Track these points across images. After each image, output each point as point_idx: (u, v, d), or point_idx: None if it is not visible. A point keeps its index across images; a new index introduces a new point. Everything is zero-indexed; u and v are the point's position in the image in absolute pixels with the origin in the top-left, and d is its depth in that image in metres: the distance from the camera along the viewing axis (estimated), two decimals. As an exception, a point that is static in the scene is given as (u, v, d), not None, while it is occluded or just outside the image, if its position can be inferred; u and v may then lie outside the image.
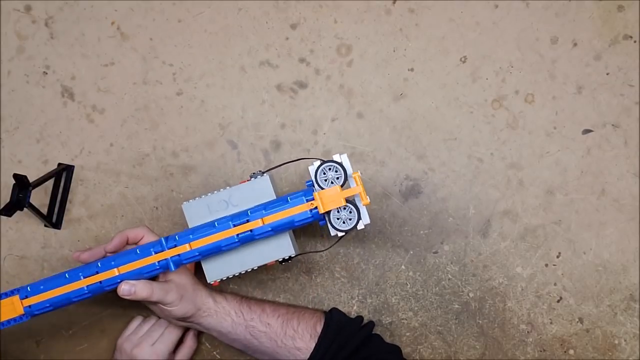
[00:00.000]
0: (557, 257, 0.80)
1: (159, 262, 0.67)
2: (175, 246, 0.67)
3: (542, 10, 0.80)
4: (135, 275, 0.68)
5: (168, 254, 0.67)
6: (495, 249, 0.80)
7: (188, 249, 0.67)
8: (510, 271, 0.80)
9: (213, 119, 0.82)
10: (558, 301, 0.80)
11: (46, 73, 0.83)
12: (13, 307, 0.69)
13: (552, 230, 0.80)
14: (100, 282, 0.68)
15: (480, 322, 0.81)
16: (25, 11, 0.83)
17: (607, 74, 0.80)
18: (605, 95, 0.80)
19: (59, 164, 0.81)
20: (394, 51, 0.81)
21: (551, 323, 0.80)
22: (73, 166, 0.82)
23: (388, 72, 0.81)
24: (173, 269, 0.68)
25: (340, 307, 0.81)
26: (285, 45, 0.81)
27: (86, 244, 0.82)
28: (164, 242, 0.68)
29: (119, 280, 0.68)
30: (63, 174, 0.81)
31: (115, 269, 0.68)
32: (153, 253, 0.67)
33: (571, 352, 0.80)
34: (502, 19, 0.80)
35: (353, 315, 0.81)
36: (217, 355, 0.82)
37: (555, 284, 0.80)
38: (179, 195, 0.82)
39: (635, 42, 0.79)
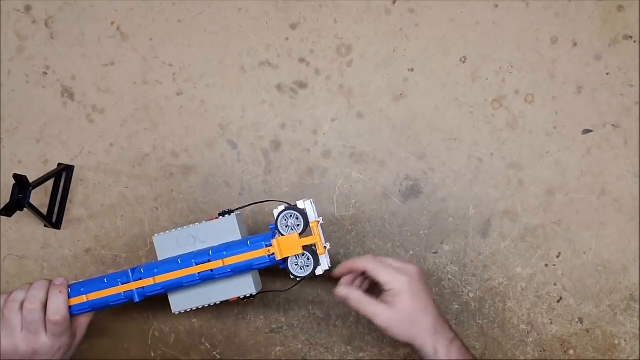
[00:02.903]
0: (557, 257, 0.80)
1: (124, 292, 0.70)
2: (141, 279, 0.70)
3: (542, 10, 0.80)
4: (102, 303, 0.70)
5: (133, 285, 0.70)
6: (495, 249, 0.80)
7: (152, 282, 0.70)
8: (510, 271, 0.80)
9: (213, 119, 0.82)
10: (558, 301, 0.80)
11: (46, 73, 0.83)
12: None
13: (552, 230, 0.80)
14: (71, 306, 0.70)
15: (480, 322, 0.81)
16: (25, 11, 0.83)
17: (607, 74, 0.80)
18: (605, 95, 0.80)
19: (59, 164, 0.82)
20: (394, 51, 0.81)
21: (551, 323, 0.80)
22: (73, 166, 0.82)
23: (388, 72, 0.81)
24: (137, 299, 0.70)
25: (340, 308, 0.81)
26: (285, 45, 0.81)
27: (86, 244, 0.82)
28: (130, 274, 0.71)
29: (87, 307, 0.70)
30: (63, 174, 0.81)
31: (84, 296, 0.70)
32: (120, 283, 0.70)
33: (571, 352, 0.80)
34: (502, 19, 0.80)
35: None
36: (217, 356, 0.82)
37: (555, 284, 0.80)
38: (179, 195, 0.82)
39: (635, 42, 0.79)
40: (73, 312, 0.70)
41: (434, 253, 0.81)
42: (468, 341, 0.80)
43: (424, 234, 0.81)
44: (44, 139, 0.82)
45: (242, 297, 0.71)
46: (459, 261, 0.80)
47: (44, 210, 0.80)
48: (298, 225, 0.67)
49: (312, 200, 0.68)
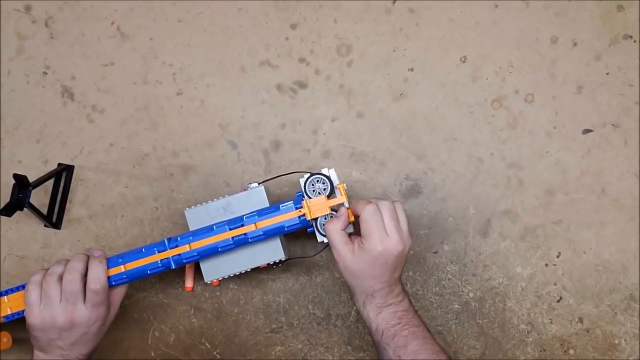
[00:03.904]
0: (557, 257, 0.80)
1: (161, 260, 0.72)
2: (177, 246, 0.72)
3: (542, 10, 0.80)
4: (139, 272, 0.72)
5: (169, 253, 0.72)
6: (495, 248, 0.80)
7: (188, 249, 0.72)
8: (510, 271, 0.80)
9: (213, 119, 0.82)
10: (558, 301, 0.80)
11: (46, 73, 0.83)
12: None
13: (552, 230, 0.80)
14: (109, 276, 0.71)
15: (480, 322, 0.81)
16: (25, 11, 0.83)
17: (607, 74, 0.80)
18: (605, 95, 0.80)
19: (59, 164, 0.82)
20: (394, 51, 0.81)
21: (551, 323, 0.80)
22: (73, 166, 0.82)
23: (388, 72, 0.81)
24: (174, 266, 0.72)
25: (340, 307, 0.81)
26: (285, 45, 0.81)
27: (86, 244, 0.82)
28: (166, 243, 0.72)
29: (124, 277, 0.72)
30: (63, 174, 0.81)
31: (122, 266, 0.72)
32: (156, 252, 0.72)
33: (571, 352, 0.80)
34: (502, 19, 0.80)
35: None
36: (217, 356, 0.82)
37: (555, 284, 0.80)
38: (179, 195, 0.82)
39: (635, 42, 0.79)
40: (111, 283, 0.71)
41: (434, 253, 0.81)
42: (468, 341, 0.80)
43: (424, 234, 0.81)
44: (44, 139, 0.82)
45: (271, 263, 0.73)
46: (459, 261, 0.81)
47: (44, 210, 0.80)
48: (325, 189, 0.71)
49: (334, 169, 0.72)
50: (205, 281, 0.74)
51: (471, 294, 0.81)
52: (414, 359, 0.66)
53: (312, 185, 0.71)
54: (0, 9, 0.83)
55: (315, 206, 0.70)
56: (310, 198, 0.71)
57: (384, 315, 0.68)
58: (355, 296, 0.70)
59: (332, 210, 0.70)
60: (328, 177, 0.71)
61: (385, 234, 0.67)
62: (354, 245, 0.68)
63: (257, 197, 0.73)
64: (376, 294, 0.68)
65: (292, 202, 0.71)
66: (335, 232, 0.68)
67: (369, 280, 0.68)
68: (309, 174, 0.71)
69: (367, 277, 0.68)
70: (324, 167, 0.71)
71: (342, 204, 0.70)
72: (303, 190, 0.71)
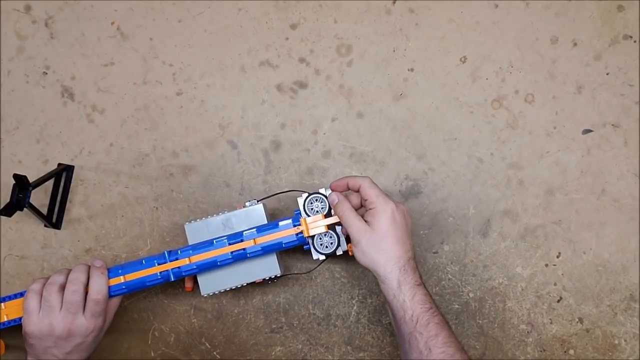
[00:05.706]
0: (557, 257, 0.80)
1: (160, 272, 0.73)
2: (177, 259, 0.73)
3: (542, 10, 0.80)
4: (138, 283, 0.73)
5: (169, 265, 0.73)
6: (495, 249, 0.80)
7: (188, 262, 0.73)
8: (510, 271, 0.80)
9: (213, 119, 0.82)
10: (558, 301, 0.80)
11: (46, 73, 0.83)
12: None
13: (552, 230, 0.80)
14: (110, 286, 0.72)
15: (480, 322, 0.81)
16: (25, 11, 0.83)
17: (607, 74, 0.80)
18: (605, 95, 0.80)
19: (59, 164, 0.82)
20: (394, 51, 0.81)
21: (551, 323, 0.80)
22: (73, 166, 0.82)
23: (388, 72, 0.81)
24: (173, 279, 0.73)
25: (340, 307, 0.81)
26: (285, 45, 0.81)
27: (86, 244, 0.82)
28: (166, 255, 0.73)
29: (124, 287, 0.72)
30: (63, 174, 0.81)
31: (122, 277, 0.73)
32: (156, 264, 0.73)
33: (571, 352, 0.80)
34: (502, 19, 0.80)
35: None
36: (217, 356, 0.82)
37: (555, 284, 0.80)
38: (179, 195, 0.82)
39: (635, 42, 0.79)
40: (110, 293, 0.72)
41: (434, 253, 0.81)
42: (468, 341, 0.80)
43: (424, 234, 0.81)
44: (44, 139, 0.82)
45: (267, 278, 0.75)
46: (459, 261, 0.81)
47: (44, 210, 0.80)
48: (322, 208, 0.73)
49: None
50: (202, 294, 0.75)
51: (471, 294, 0.81)
52: (444, 351, 0.65)
53: (311, 204, 0.73)
54: (0, 9, 0.83)
55: (313, 224, 0.72)
56: (308, 216, 0.72)
57: (418, 297, 0.66)
58: (386, 280, 0.67)
59: (328, 229, 0.72)
60: (326, 197, 0.73)
61: (387, 195, 0.69)
62: (366, 217, 0.69)
63: (256, 214, 0.74)
64: (407, 266, 0.67)
65: (290, 219, 0.73)
66: (345, 208, 0.69)
67: (396, 246, 0.67)
68: (307, 194, 0.73)
69: (393, 243, 0.67)
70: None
71: (338, 222, 0.72)
72: (301, 209, 0.73)
